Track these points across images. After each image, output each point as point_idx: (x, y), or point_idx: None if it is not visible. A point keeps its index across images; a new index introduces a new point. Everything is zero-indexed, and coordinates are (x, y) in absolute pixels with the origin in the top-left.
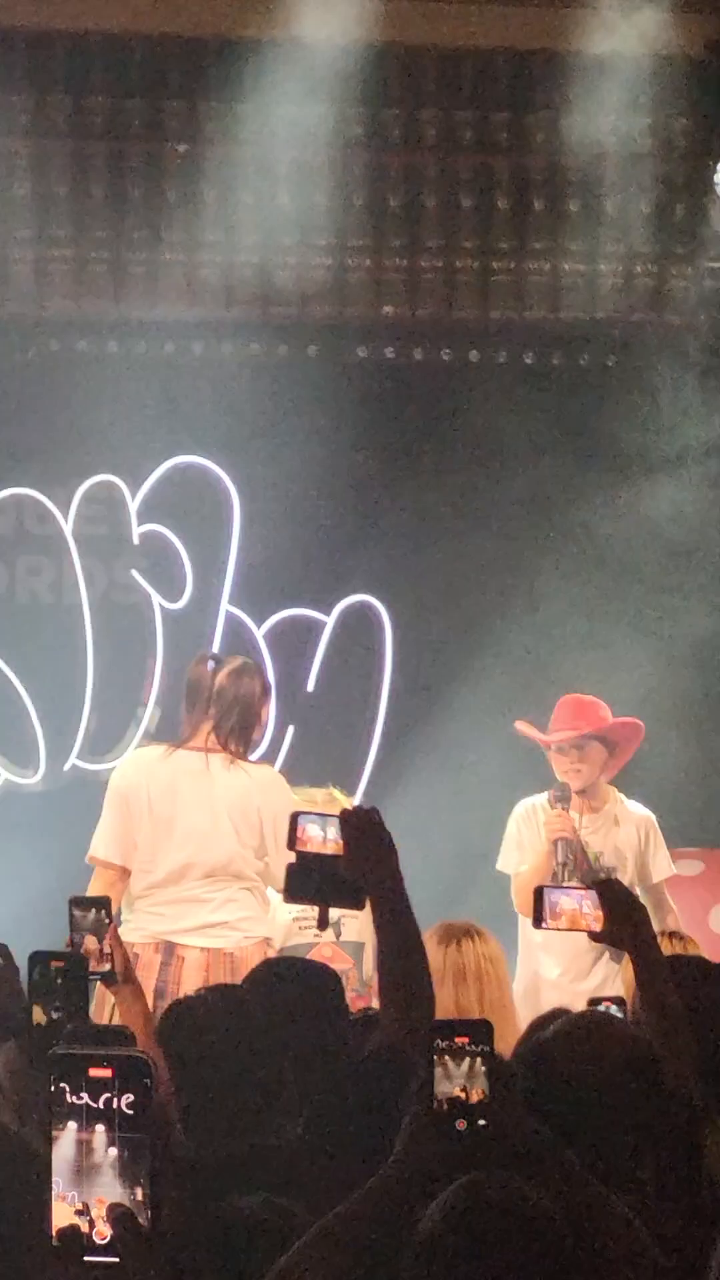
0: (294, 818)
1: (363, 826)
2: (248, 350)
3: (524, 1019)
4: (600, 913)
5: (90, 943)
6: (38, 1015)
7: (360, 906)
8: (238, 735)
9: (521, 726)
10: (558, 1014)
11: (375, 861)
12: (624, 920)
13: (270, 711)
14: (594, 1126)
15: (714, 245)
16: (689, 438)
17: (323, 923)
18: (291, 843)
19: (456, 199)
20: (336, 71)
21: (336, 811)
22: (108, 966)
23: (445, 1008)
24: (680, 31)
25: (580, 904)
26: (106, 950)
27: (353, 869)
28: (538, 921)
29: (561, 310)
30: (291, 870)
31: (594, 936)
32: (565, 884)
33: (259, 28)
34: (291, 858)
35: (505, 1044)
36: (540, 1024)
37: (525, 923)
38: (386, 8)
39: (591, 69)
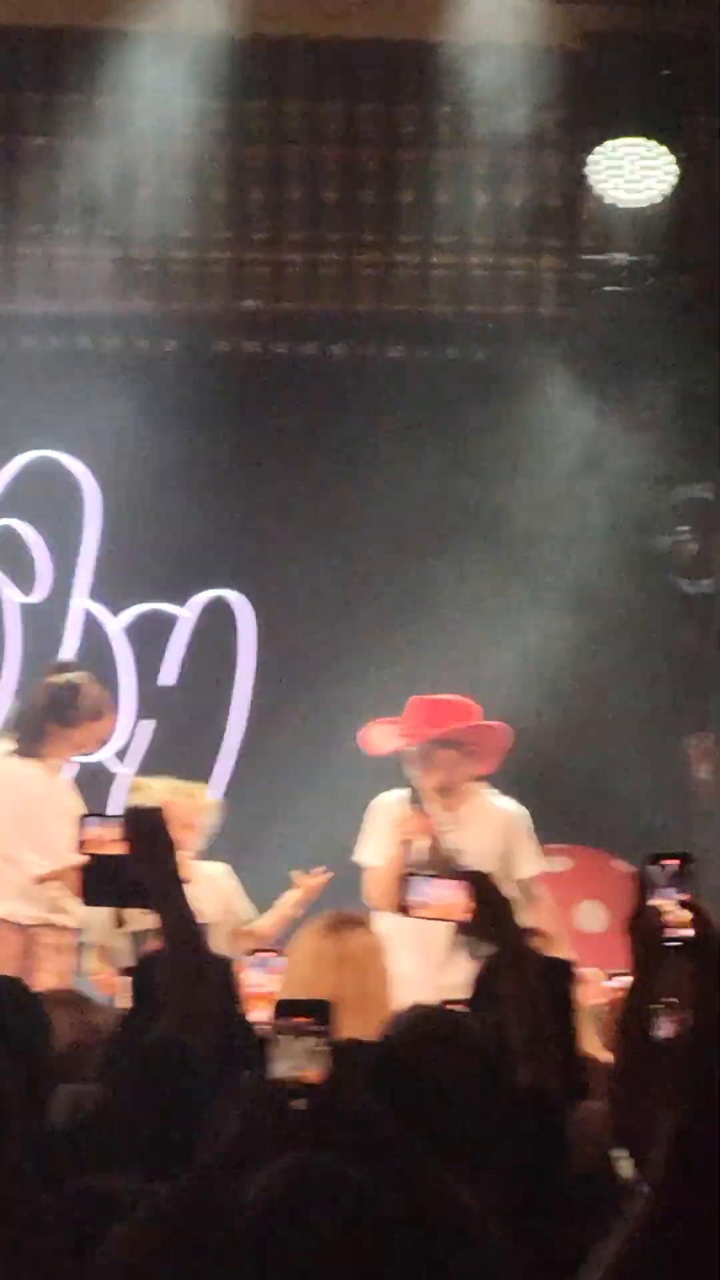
0: (81, 819)
1: (141, 825)
2: (106, 344)
3: None
4: (468, 904)
5: None
6: None
7: (145, 903)
8: None
9: (373, 729)
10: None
11: (152, 860)
12: (492, 914)
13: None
14: (441, 1121)
15: (587, 237)
16: (561, 431)
17: (119, 921)
18: (80, 844)
19: (321, 192)
20: (199, 63)
21: (185, 806)
22: None
23: (326, 995)
24: (556, 23)
25: (449, 894)
26: None
27: (134, 868)
28: (403, 909)
29: (430, 304)
30: (83, 873)
31: (461, 928)
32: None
33: (119, 18)
34: None
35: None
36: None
37: (378, 917)
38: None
39: (464, 60)
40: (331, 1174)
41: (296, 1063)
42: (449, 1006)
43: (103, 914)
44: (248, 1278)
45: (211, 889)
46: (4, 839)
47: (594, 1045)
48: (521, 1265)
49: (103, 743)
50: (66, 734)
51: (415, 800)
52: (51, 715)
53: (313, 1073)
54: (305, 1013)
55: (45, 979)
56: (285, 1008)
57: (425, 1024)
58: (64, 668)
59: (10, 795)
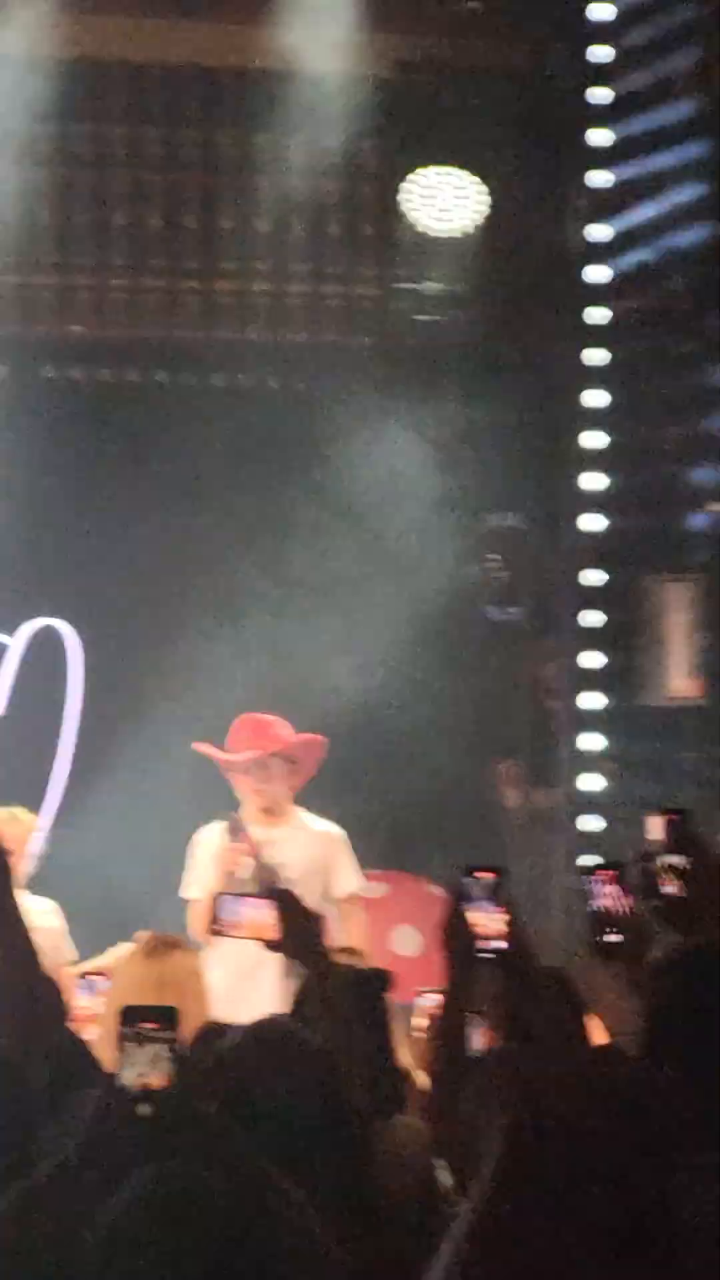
0: None
1: None
2: None
3: None
4: (276, 922)
5: None
6: None
7: None
8: None
9: (201, 748)
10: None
11: None
12: (298, 931)
13: None
14: (268, 1129)
15: (402, 265)
16: (376, 459)
17: None
18: None
19: (144, 217)
20: (22, 86)
21: (17, 830)
22: None
23: None
24: (370, 51)
25: (258, 913)
26: None
27: None
28: (215, 929)
29: (249, 330)
30: None
31: (270, 945)
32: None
33: None
34: None
35: None
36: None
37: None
38: (76, 23)
39: (281, 87)
40: (192, 1181)
41: (143, 1069)
42: (270, 1019)
43: None
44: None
45: (39, 923)
46: None
47: (408, 1059)
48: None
49: None
50: None
51: (235, 829)
52: None
53: (158, 1078)
54: (152, 1019)
55: None
56: (131, 1014)
57: (262, 1032)
58: None
59: None
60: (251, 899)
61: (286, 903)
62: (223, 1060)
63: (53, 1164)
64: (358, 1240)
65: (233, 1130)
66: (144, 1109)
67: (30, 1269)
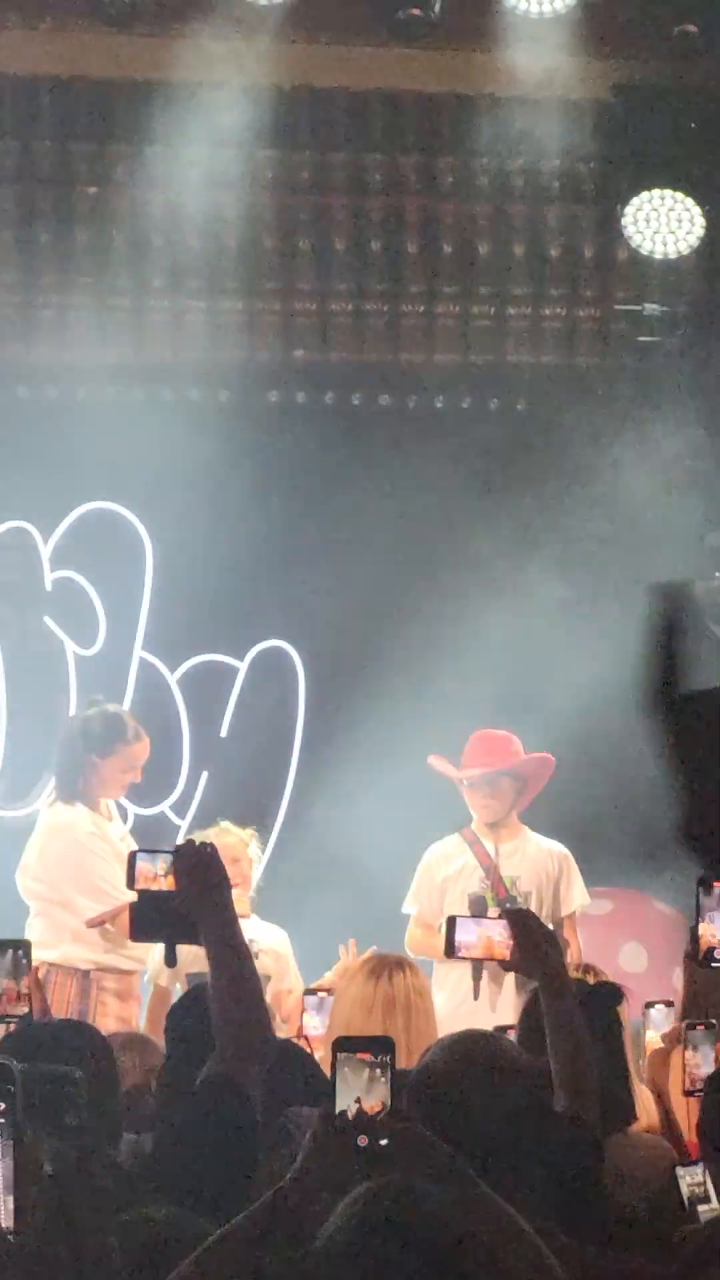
0: (131, 856)
1: (193, 860)
2: (159, 395)
3: None
4: (510, 941)
5: (8, 985)
6: None
7: (193, 938)
8: None
9: (435, 762)
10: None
11: (203, 893)
12: (533, 949)
13: None
14: (484, 1148)
15: (623, 287)
16: (599, 478)
17: (170, 959)
18: (130, 882)
19: (366, 242)
20: (247, 114)
21: (231, 840)
22: (25, 1009)
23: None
24: (587, 76)
25: (491, 933)
26: (24, 991)
27: (183, 901)
28: (450, 951)
29: (472, 353)
30: (133, 910)
31: (504, 965)
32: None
33: (167, 70)
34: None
35: None
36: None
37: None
38: (294, 51)
39: (500, 112)
40: (409, 1201)
41: (359, 1094)
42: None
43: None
44: None
45: (272, 945)
46: (56, 884)
47: (638, 1071)
48: None
49: (139, 768)
50: (106, 764)
51: (471, 841)
52: (88, 747)
53: (375, 1104)
54: (366, 1049)
55: (106, 1023)
56: (347, 1044)
57: (465, 1046)
58: (91, 703)
59: (58, 840)
60: (487, 920)
61: (523, 922)
62: (429, 1075)
63: (274, 1190)
64: (583, 1253)
65: (443, 1148)
66: (364, 1139)
67: None
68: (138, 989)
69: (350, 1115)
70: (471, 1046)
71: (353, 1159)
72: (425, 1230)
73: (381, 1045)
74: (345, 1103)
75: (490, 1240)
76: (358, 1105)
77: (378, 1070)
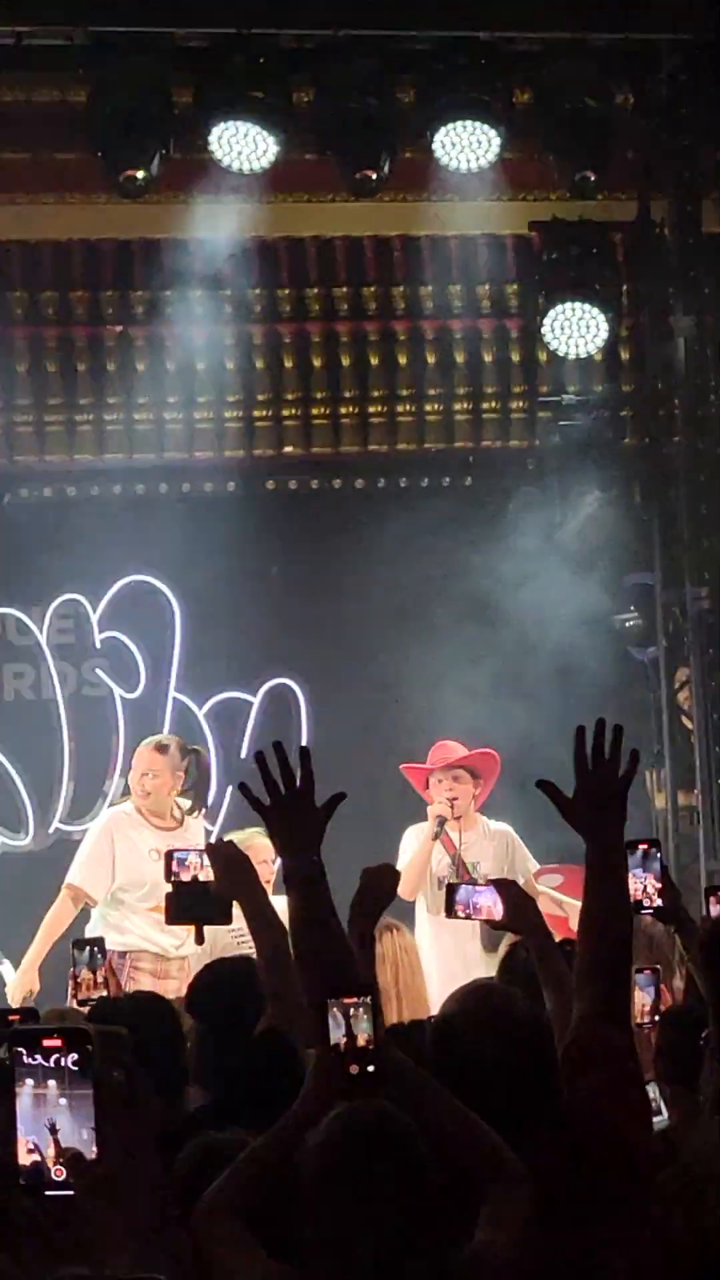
0: (168, 854)
1: (227, 855)
2: (179, 488)
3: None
4: (500, 905)
5: (87, 975)
6: None
7: (228, 919)
8: None
9: (405, 768)
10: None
11: (238, 877)
12: (520, 910)
13: None
14: (491, 1082)
15: (545, 382)
16: (530, 537)
17: (199, 938)
18: (168, 875)
19: (337, 358)
20: (237, 261)
21: (260, 843)
22: (102, 993)
23: None
24: (508, 216)
25: (487, 899)
26: (101, 980)
27: (222, 887)
28: (450, 912)
29: (426, 442)
30: (169, 899)
31: (495, 925)
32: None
33: (173, 230)
34: None
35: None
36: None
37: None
38: (273, 208)
39: (440, 249)
40: (381, 1116)
41: (350, 1032)
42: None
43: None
44: (321, 1199)
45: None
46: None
47: None
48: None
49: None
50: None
51: (438, 829)
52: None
53: (361, 1036)
54: (351, 993)
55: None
56: (333, 992)
57: (478, 997)
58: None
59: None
60: (481, 887)
61: (509, 888)
62: (448, 1023)
63: (293, 1111)
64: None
65: (419, 1070)
66: (354, 1068)
67: (276, 1188)
68: (174, 971)
69: (344, 1047)
70: (485, 996)
71: (347, 1083)
72: (387, 1135)
73: (362, 990)
74: (336, 1038)
75: (452, 1139)
76: (348, 1040)
77: (361, 1011)
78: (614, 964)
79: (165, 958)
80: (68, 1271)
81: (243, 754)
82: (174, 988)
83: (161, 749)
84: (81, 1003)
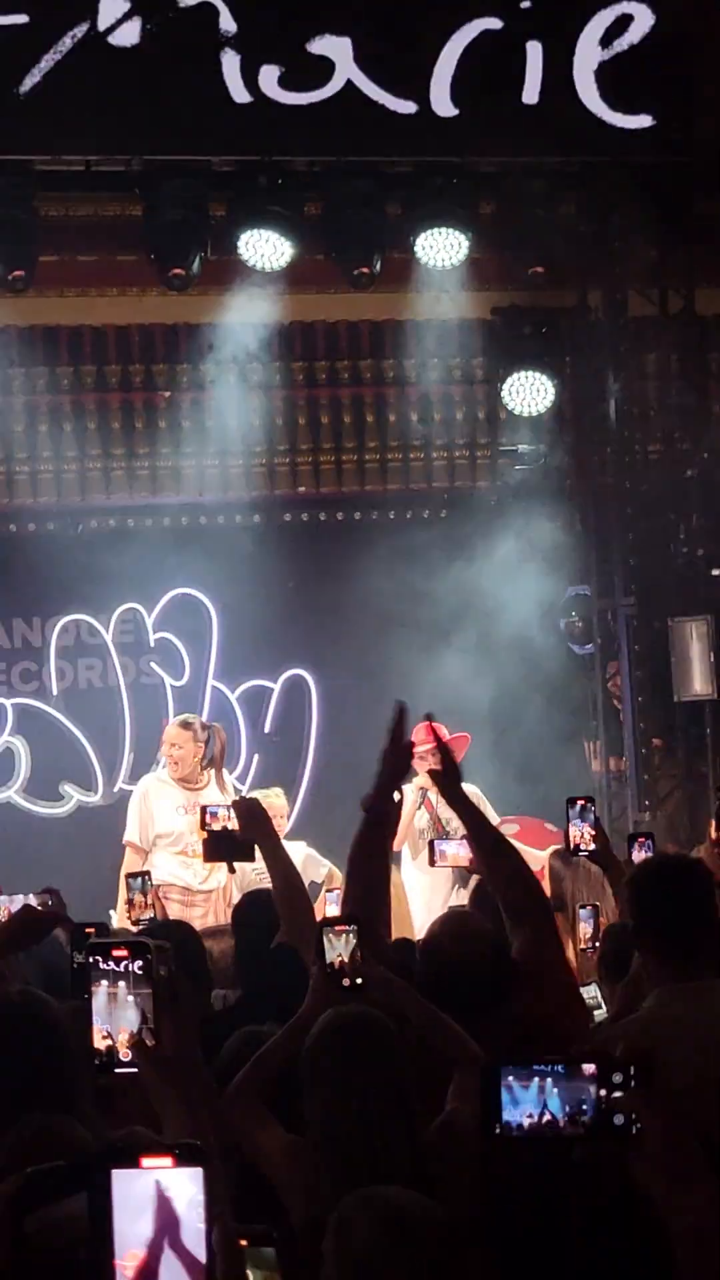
0: (202, 809)
1: (249, 808)
2: (216, 520)
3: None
4: (467, 852)
5: (139, 898)
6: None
7: (251, 859)
8: None
9: None
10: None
11: (258, 827)
12: (491, 856)
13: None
14: (464, 984)
15: (504, 436)
16: (492, 559)
17: (231, 869)
18: (203, 825)
19: (339, 416)
20: (260, 340)
21: (278, 803)
22: (150, 914)
23: None
24: (475, 303)
25: (461, 849)
26: (150, 903)
27: (245, 834)
28: (432, 862)
29: (410, 483)
30: (205, 843)
31: (471, 869)
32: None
33: (210, 316)
34: None
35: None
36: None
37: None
38: (289, 299)
39: (421, 330)
40: (364, 1014)
41: (340, 950)
42: (457, 909)
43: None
44: (317, 1081)
45: (295, 856)
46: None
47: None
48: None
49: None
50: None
51: (422, 795)
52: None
53: (351, 955)
54: (341, 921)
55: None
56: (327, 921)
57: (456, 920)
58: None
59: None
60: (456, 840)
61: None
62: (429, 936)
63: (296, 1015)
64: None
65: (396, 979)
66: (347, 980)
67: (286, 1077)
68: (199, 901)
69: (337, 965)
70: (458, 918)
71: (340, 992)
72: (364, 1029)
73: (349, 919)
74: (331, 957)
75: (425, 1031)
76: (341, 959)
77: (350, 935)
78: (531, 905)
79: (191, 890)
80: (130, 1129)
81: (266, 729)
82: (199, 915)
83: (186, 726)
84: (135, 921)
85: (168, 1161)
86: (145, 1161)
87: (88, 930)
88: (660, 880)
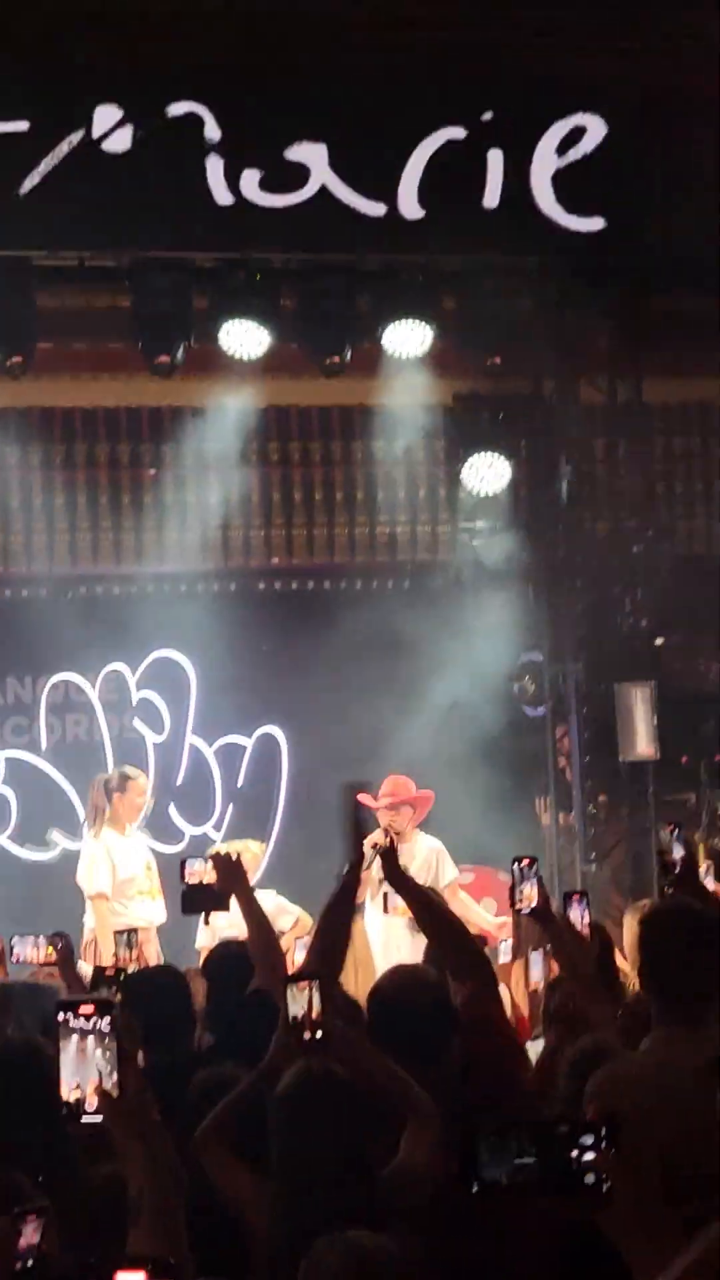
0: (182, 863)
1: (224, 863)
2: (196, 588)
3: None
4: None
5: (124, 955)
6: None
7: (226, 909)
8: None
9: (362, 798)
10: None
11: (232, 880)
12: (433, 927)
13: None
14: (408, 1036)
15: (463, 513)
16: (459, 622)
17: (207, 920)
18: (182, 878)
19: (312, 493)
20: (241, 421)
21: (250, 854)
22: (135, 966)
23: None
24: (436, 389)
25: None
26: (134, 957)
27: (223, 886)
28: (385, 909)
29: (376, 556)
30: (183, 895)
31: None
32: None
33: (193, 399)
34: None
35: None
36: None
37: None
38: (266, 384)
39: (387, 413)
40: (326, 1072)
41: (302, 1005)
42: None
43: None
44: (284, 1130)
45: (265, 905)
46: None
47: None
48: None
49: (139, 805)
50: (119, 804)
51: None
52: (105, 798)
53: (314, 1011)
54: (305, 978)
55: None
56: (292, 977)
57: (402, 971)
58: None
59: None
60: (398, 895)
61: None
62: (377, 990)
63: (261, 1065)
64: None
65: (353, 1035)
66: (309, 1034)
67: (256, 1119)
68: (154, 938)
69: (298, 1020)
70: (406, 971)
71: (301, 1046)
72: (329, 1084)
73: (312, 976)
74: (294, 1011)
75: (379, 1086)
76: (300, 1014)
77: (312, 991)
78: (471, 964)
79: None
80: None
81: (238, 783)
82: (153, 952)
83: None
84: (117, 971)
85: (140, 1276)
86: (120, 1276)
87: (106, 973)
88: (675, 925)
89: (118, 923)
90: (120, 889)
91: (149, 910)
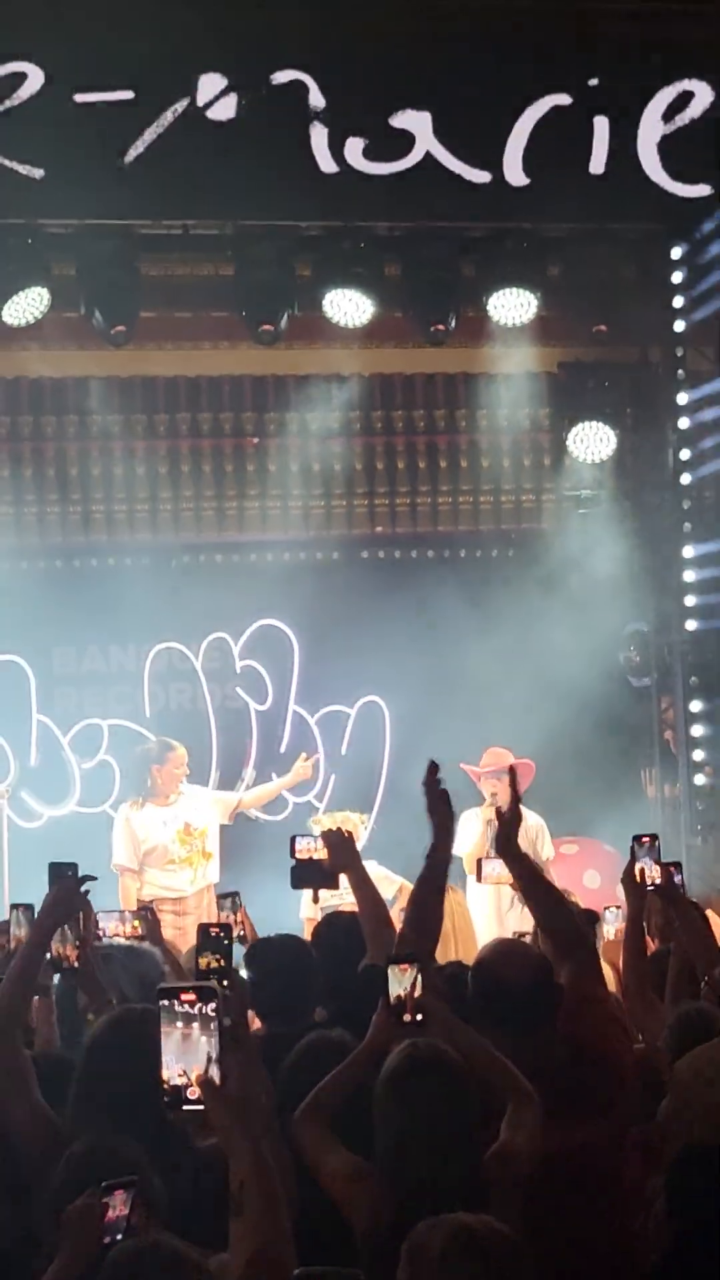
0: (292, 839)
1: (336, 839)
2: (299, 556)
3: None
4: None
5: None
6: (203, 962)
7: (335, 886)
8: None
9: (464, 767)
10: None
11: (344, 857)
12: (540, 903)
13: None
14: (512, 1012)
15: (568, 481)
16: (556, 593)
17: (316, 898)
18: (292, 853)
19: (415, 462)
20: (344, 391)
21: (351, 825)
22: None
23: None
24: (542, 358)
25: (501, 868)
26: (240, 919)
27: (334, 864)
28: (480, 879)
29: (480, 524)
30: (294, 870)
31: (515, 886)
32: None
33: (297, 368)
34: None
35: (470, 955)
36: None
37: (468, 884)
38: (368, 353)
39: (492, 382)
40: (434, 1050)
41: (404, 986)
42: (510, 938)
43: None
44: (388, 1110)
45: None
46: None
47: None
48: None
49: (178, 776)
50: (158, 775)
51: (493, 815)
52: (151, 761)
53: (415, 991)
54: (406, 960)
55: (167, 932)
56: (392, 959)
57: (502, 945)
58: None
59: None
60: (499, 860)
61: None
62: (480, 962)
63: (364, 1043)
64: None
65: (453, 1017)
66: (409, 1016)
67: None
68: (191, 908)
69: (400, 999)
70: (506, 945)
71: (401, 1026)
72: (437, 1065)
73: (410, 958)
74: (395, 993)
75: (479, 1068)
76: (403, 995)
77: (413, 972)
78: (575, 942)
79: (183, 899)
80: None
81: (343, 750)
82: (191, 922)
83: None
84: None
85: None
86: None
87: (212, 930)
88: None
89: (142, 894)
90: (146, 860)
91: (175, 880)
